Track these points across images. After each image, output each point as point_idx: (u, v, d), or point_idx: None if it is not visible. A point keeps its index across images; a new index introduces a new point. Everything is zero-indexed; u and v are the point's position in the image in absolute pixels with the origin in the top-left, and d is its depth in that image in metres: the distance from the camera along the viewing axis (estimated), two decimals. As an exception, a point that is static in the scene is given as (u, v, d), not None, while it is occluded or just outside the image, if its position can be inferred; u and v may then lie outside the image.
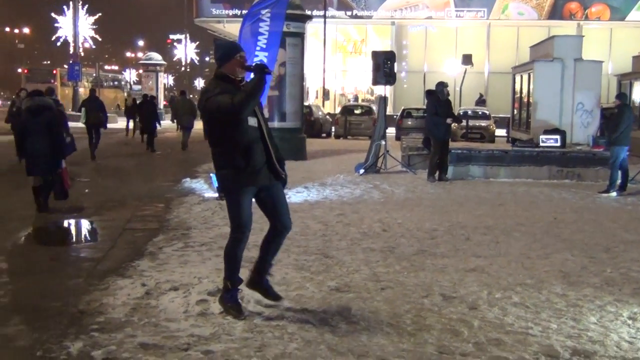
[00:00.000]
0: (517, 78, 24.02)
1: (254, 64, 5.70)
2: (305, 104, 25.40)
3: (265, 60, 11.99)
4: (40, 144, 10.21)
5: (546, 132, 16.30)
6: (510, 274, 7.03)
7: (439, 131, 14.75)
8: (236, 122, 5.32)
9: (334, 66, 42.75)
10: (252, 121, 5.39)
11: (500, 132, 30.23)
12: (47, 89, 15.86)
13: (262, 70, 5.31)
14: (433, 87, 15.29)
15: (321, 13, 37.14)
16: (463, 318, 5.57)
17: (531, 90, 20.80)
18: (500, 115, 32.46)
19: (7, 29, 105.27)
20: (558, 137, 15.78)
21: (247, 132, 5.36)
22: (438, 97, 14.91)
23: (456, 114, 29.25)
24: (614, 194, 13.10)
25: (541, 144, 15.82)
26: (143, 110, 23.72)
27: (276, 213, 5.72)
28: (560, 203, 12.21)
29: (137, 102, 27.92)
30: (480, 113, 30.62)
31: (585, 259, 7.80)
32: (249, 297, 5.92)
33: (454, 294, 6.27)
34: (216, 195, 11.77)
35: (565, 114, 19.48)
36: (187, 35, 69.22)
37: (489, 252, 8.10)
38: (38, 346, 4.81)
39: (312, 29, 36.50)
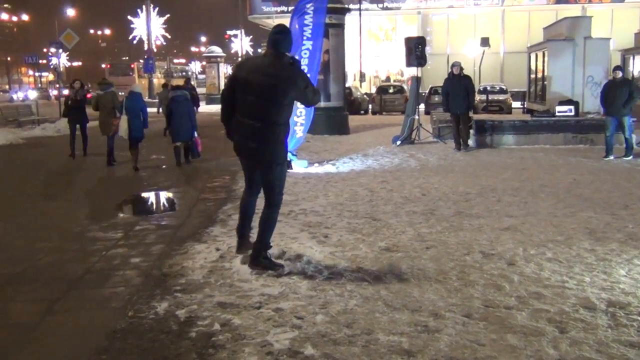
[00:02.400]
0: (532, 56, 23.24)
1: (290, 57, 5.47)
2: (346, 85, 25.02)
3: (311, 47, 11.68)
4: (181, 121, 12.71)
5: (561, 102, 15.67)
6: (541, 232, 6.67)
7: (449, 106, 14.33)
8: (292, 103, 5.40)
9: (368, 52, 42.08)
10: None
11: (516, 104, 29.51)
12: (185, 80, 19.53)
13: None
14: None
15: (357, 6, 36.51)
16: (503, 273, 5.26)
17: (546, 66, 20.09)
18: (515, 90, 31.62)
19: (92, 31, 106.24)
20: (572, 107, 15.14)
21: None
22: (449, 77, 14.49)
23: (478, 89, 28.81)
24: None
25: (557, 114, 15.21)
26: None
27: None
28: (577, 166, 11.69)
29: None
30: (498, 88, 29.90)
31: (607, 216, 7.38)
32: (309, 258, 5.70)
33: (492, 251, 5.95)
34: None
35: (577, 86, 18.84)
36: (242, 30, 68.85)
37: (519, 212, 7.73)
38: (129, 307, 4.65)
39: (350, 20, 35.90)
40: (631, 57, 23.87)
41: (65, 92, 19.84)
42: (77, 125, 14.70)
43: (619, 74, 12.76)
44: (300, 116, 11.85)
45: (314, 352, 3.76)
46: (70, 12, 75.58)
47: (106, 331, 4.20)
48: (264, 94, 5.09)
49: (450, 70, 14.65)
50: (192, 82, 44.71)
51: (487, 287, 4.92)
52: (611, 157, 12.47)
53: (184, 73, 63.01)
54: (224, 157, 13.61)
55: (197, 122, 13.49)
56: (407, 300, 4.64)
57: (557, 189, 9.20)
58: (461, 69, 14.52)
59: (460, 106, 14.22)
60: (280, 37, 5.21)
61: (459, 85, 14.18)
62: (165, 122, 14.62)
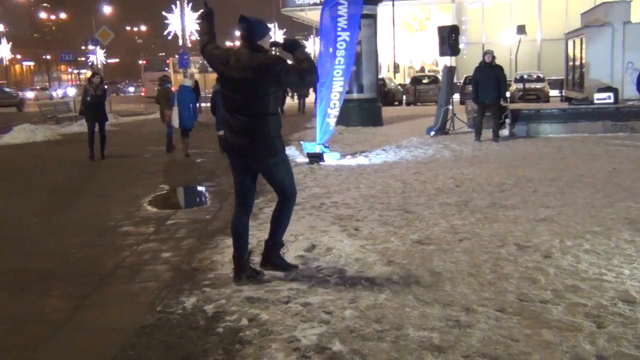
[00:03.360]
0: (570, 43, 22.74)
1: (285, 40, 5.05)
2: (379, 76, 24.83)
3: (347, 39, 11.57)
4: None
5: (600, 90, 15.30)
6: (579, 223, 6.46)
7: (478, 95, 13.95)
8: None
9: (402, 42, 41.71)
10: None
11: (554, 92, 28.92)
12: None
13: (298, 43, 4.84)
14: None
15: (390, -4, 36.21)
16: (538, 266, 5.09)
17: (584, 53, 19.61)
18: (553, 78, 31.00)
19: (128, 28, 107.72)
20: (611, 94, 14.76)
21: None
22: (480, 65, 14.10)
23: (514, 77, 28.27)
24: None
25: (595, 101, 14.84)
26: None
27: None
28: (617, 154, 11.36)
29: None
30: (535, 76, 29.32)
31: (648, 206, 7.14)
32: (339, 252, 5.62)
33: (527, 243, 5.78)
34: (307, 160, 11.50)
35: (616, 73, 18.38)
36: (276, 23, 68.93)
37: (555, 202, 7.52)
38: (158, 301, 4.64)
39: (383, 11, 35.60)
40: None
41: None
42: (96, 124, 13.43)
43: None
44: (334, 108, 11.77)
45: (341, 348, 3.68)
46: (107, 9, 76.54)
47: (134, 327, 4.18)
48: (242, 87, 4.72)
49: (482, 58, 14.30)
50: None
51: (521, 280, 4.77)
52: None
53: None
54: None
55: None
56: (439, 294, 4.53)
57: (595, 179, 8.94)
58: (493, 57, 14.12)
59: (490, 96, 13.75)
60: (243, 27, 4.81)
61: (490, 74, 13.79)
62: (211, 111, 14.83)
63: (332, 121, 11.86)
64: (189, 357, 3.70)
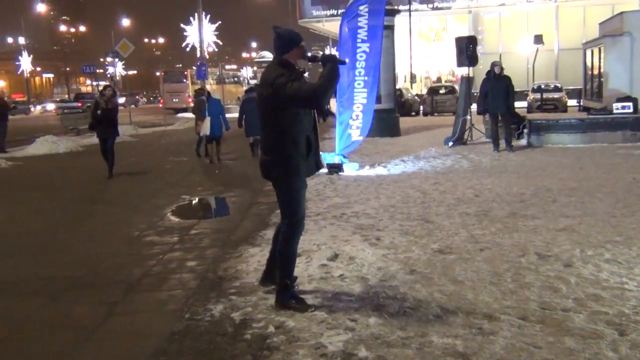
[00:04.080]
0: (588, 53, 22.72)
1: (321, 55, 4.75)
2: (396, 87, 24.93)
3: (368, 50, 11.67)
4: (252, 118, 13.52)
5: (619, 99, 15.27)
6: (599, 232, 6.50)
7: (489, 106, 13.99)
8: (305, 110, 4.56)
9: (419, 52, 41.82)
10: (309, 111, 4.64)
11: (572, 102, 28.82)
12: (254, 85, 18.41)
13: (334, 59, 4.51)
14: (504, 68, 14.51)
15: (407, 7, 36.34)
16: (560, 275, 5.15)
17: (602, 62, 19.59)
18: (571, 87, 30.91)
19: (146, 40, 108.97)
20: (630, 104, 14.73)
21: (306, 121, 4.59)
22: (490, 75, 14.15)
23: (532, 87, 28.22)
24: None
25: (615, 111, 14.81)
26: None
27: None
28: (636, 164, 11.35)
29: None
30: (552, 86, 29.26)
31: (669, 216, 7.16)
32: (362, 261, 5.71)
33: (548, 252, 5.84)
34: (326, 171, 11.61)
35: (635, 82, 18.32)
36: (293, 34, 69.28)
37: (576, 212, 7.56)
38: (185, 309, 4.76)
39: (400, 21, 35.78)
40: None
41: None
42: (107, 140, 12.56)
43: None
44: (356, 119, 11.87)
45: (367, 354, 3.77)
46: (126, 22, 77.54)
47: (164, 333, 4.30)
48: (260, 103, 4.70)
49: (490, 70, 14.29)
50: (244, 88, 45.04)
51: (543, 289, 4.84)
52: None
53: (236, 79, 63.83)
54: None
55: None
56: (461, 302, 4.61)
57: (615, 189, 8.95)
58: (502, 68, 14.21)
59: (501, 106, 13.85)
60: (273, 38, 4.69)
61: (499, 85, 13.86)
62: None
63: (355, 132, 11.94)
64: (219, 362, 3.82)
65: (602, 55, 19.57)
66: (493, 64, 14.27)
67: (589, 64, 22.81)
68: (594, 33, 25.24)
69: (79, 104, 47.96)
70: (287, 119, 4.51)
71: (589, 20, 35.27)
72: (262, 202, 9.31)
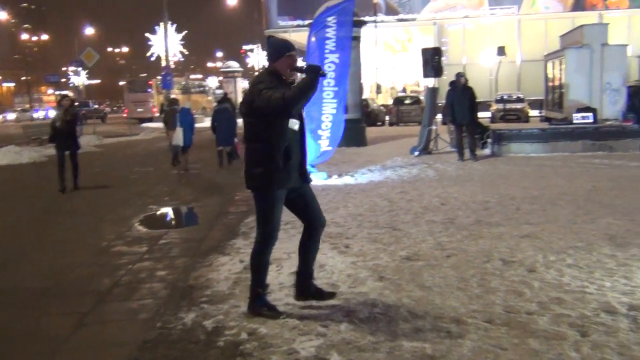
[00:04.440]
0: (549, 64, 23.28)
1: (306, 65, 4.80)
2: (362, 97, 25.18)
3: (337, 61, 11.78)
4: (223, 127, 15.00)
5: (579, 110, 15.73)
6: (561, 239, 6.71)
7: (455, 116, 14.32)
8: (281, 119, 4.51)
9: (384, 63, 42.29)
10: (293, 123, 4.59)
11: (534, 112, 29.44)
12: (225, 96, 19.64)
13: (315, 70, 4.46)
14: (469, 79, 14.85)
15: (373, 18, 36.75)
16: (524, 280, 5.31)
17: (563, 74, 20.11)
18: (533, 98, 31.57)
19: (110, 49, 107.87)
20: (590, 114, 15.17)
21: (287, 131, 4.55)
22: (455, 86, 14.49)
23: (495, 98, 28.79)
24: None
25: (575, 121, 15.23)
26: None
27: (311, 212, 4.83)
28: (596, 173, 11.70)
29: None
30: (515, 97, 29.87)
31: (627, 222, 7.41)
32: (332, 268, 5.80)
33: (512, 258, 6.01)
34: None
35: (595, 93, 18.85)
36: (259, 45, 69.46)
37: (538, 219, 7.77)
38: (157, 318, 4.79)
39: (366, 32, 36.16)
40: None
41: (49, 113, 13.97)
42: (67, 152, 11.94)
43: None
44: (325, 130, 11.96)
45: (339, 359, 3.86)
46: (90, 30, 76.69)
47: (136, 342, 4.32)
48: (243, 109, 4.69)
49: (455, 81, 14.59)
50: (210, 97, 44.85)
51: (508, 293, 4.99)
52: None
53: (201, 88, 63.57)
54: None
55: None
56: (429, 307, 4.72)
57: (576, 196, 9.22)
58: (466, 79, 14.54)
59: (466, 116, 14.19)
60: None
61: (464, 96, 14.21)
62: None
63: (323, 143, 12.03)
64: (193, 369, 3.86)
65: (562, 66, 20.10)
66: (458, 75, 14.58)
67: (550, 75, 23.38)
68: (555, 45, 25.89)
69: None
70: (262, 127, 4.51)
71: (550, 33, 36.17)
72: (231, 212, 9.35)
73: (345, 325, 4.39)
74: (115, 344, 4.39)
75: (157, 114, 45.29)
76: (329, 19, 11.79)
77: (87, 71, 47.98)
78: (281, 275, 5.65)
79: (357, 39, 18.64)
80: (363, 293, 5.10)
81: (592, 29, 20.41)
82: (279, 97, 4.36)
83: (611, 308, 4.57)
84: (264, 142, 4.52)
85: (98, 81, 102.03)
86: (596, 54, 18.97)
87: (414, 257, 6.19)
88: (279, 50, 4.65)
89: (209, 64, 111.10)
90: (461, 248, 6.46)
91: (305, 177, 4.80)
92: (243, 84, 47.28)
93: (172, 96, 44.64)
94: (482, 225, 7.56)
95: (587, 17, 35.98)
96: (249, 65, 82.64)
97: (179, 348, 4.17)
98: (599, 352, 3.83)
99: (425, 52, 16.06)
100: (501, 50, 28.56)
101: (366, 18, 34.67)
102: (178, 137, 14.85)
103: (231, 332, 4.37)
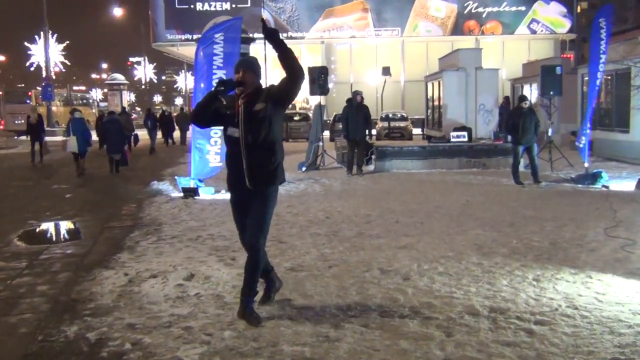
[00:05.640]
0: (429, 85, 24.46)
1: (218, 80, 5.21)
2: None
3: (224, 77, 11.90)
4: (113, 137, 16.82)
5: (455, 129, 16.63)
6: (435, 249, 7.20)
7: (349, 132, 15.00)
8: (224, 129, 4.93)
9: (274, 80, 42.63)
10: (232, 131, 4.82)
11: (417, 131, 30.72)
12: (122, 110, 22.67)
13: (217, 84, 4.82)
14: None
15: (262, 35, 37.06)
16: (399, 287, 5.69)
17: (441, 94, 21.22)
18: (416, 117, 32.94)
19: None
20: (465, 133, 16.12)
21: (228, 140, 4.90)
22: (351, 103, 15.18)
23: (380, 116, 29.86)
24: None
25: (452, 140, 16.13)
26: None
27: (244, 228, 5.02)
28: (470, 188, 12.49)
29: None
30: (399, 115, 31.05)
31: (494, 233, 8.04)
32: (217, 280, 5.93)
33: (389, 267, 6.39)
34: (181, 194, 11.70)
35: (470, 113, 20.01)
36: (146, 57, 68.10)
37: (415, 231, 8.27)
38: (38, 332, 4.74)
39: (253, 49, 36.38)
40: (520, 86, 25.58)
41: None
42: None
43: (527, 104, 12.68)
44: (214, 145, 12.02)
45: (222, 364, 4.02)
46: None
47: (16, 356, 4.28)
48: None
49: (351, 98, 15.30)
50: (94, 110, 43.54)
51: (383, 299, 5.34)
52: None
53: (84, 101, 61.38)
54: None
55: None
56: (310, 314, 4.97)
57: (450, 210, 9.85)
58: (362, 98, 15.26)
59: (360, 132, 14.98)
60: None
61: (359, 113, 14.88)
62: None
63: (213, 158, 12.08)
64: (75, 380, 3.89)
65: (441, 88, 21.21)
66: (355, 93, 15.29)
67: (430, 95, 24.57)
68: (436, 67, 27.21)
69: None
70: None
71: (431, 55, 38.00)
72: (115, 226, 9.24)
73: (229, 333, 4.56)
74: (-6, 359, 4.32)
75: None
76: (217, 35, 11.93)
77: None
78: (167, 287, 5.72)
79: (244, 55, 18.86)
80: (247, 303, 5.27)
81: (468, 53, 21.69)
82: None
83: (474, 311, 5.01)
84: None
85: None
86: (471, 77, 20.18)
87: (298, 268, 6.45)
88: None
89: (94, 76, 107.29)
90: (342, 259, 6.79)
91: (253, 189, 4.97)
92: (129, 97, 46.15)
93: (50, 108, 43.16)
94: (364, 237, 7.94)
95: (465, 42, 38.17)
96: (136, 78, 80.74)
97: (61, 360, 4.17)
98: (461, 350, 4.22)
99: (311, 70, 16.49)
100: (386, 70, 29.60)
101: (256, 34, 35.10)
102: (72, 144, 16.08)
103: (115, 343, 4.42)
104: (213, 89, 4.87)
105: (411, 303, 5.23)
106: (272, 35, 4.75)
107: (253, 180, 4.80)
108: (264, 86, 5.02)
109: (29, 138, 21.07)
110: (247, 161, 4.78)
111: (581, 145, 13.88)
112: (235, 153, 4.84)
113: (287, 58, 4.71)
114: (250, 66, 4.90)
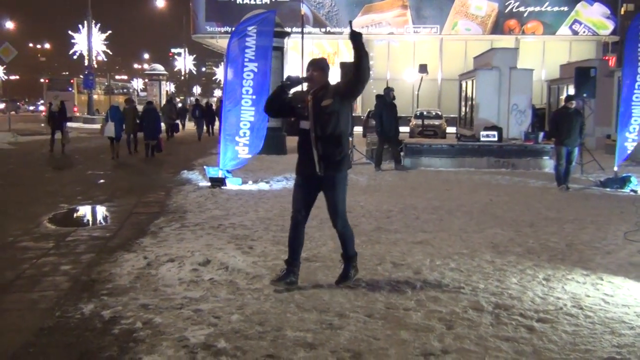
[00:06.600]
0: (463, 84, 24.34)
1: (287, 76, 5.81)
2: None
3: (255, 70, 12.08)
4: (150, 125, 18.78)
5: (486, 128, 16.57)
6: (450, 246, 7.26)
7: (383, 128, 15.14)
8: (294, 121, 5.66)
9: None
10: (303, 124, 5.42)
11: (451, 129, 30.56)
12: (167, 99, 25.40)
13: (285, 79, 5.54)
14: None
15: (300, 30, 37.24)
16: (408, 281, 5.78)
17: (474, 93, 21.12)
18: (452, 115, 32.77)
19: (31, 45, 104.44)
20: (495, 132, 16.04)
21: (299, 132, 5.49)
22: (385, 99, 15.27)
23: (414, 114, 29.82)
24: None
25: (481, 139, 16.08)
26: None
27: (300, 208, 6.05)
28: (496, 188, 12.47)
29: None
30: (434, 113, 30.93)
31: (512, 232, 8.05)
32: (233, 267, 6.10)
33: (402, 262, 6.48)
34: (209, 184, 11.93)
35: (502, 113, 19.89)
36: (186, 49, 68.96)
37: (433, 228, 8.33)
38: (57, 308, 4.97)
39: (292, 43, 36.64)
40: (556, 87, 25.24)
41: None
42: None
43: (573, 104, 12.27)
44: (243, 137, 12.20)
45: (226, 345, 4.18)
46: (9, 24, 74.06)
47: (33, 329, 4.51)
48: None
49: (383, 94, 15.37)
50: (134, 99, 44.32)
51: (391, 292, 5.44)
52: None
53: (125, 90, 62.51)
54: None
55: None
56: (317, 302, 5.11)
57: (472, 208, 9.87)
58: (394, 95, 15.44)
59: (393, 129, 15.22)
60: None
61: (392, 110, 15.08)
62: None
63: (241, 149, 12.26)
64: (86, 353, 4.09)
65: (474, 86, 21.10)
66: (388, 89, 15.40)
67: (463, 94, 24.45)
68: (472, 66, 27.02)
69: None
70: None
71: (470, 53, 37.47)
72: (142, 212, 9.50)
73: (236, 317, 4.72)
74: (12, 331, 4.55)
75: (78, 114, 44.34)
76: (250, 28, 12.09)
77: (4, 66, 46.43)
78: (182, 271, 5.92)
79: (278, 49, 19.06)
80: (258, 289, 5.44)
81: (502, 53, 21.53)
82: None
83: (479, 306, 5.08)
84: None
85: (17, 77, 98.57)
86: (504, 76, 20.05)
87: (313, 258, 6.59)
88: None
89: (136, 66, 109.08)
90: (358, 252, 6.84)
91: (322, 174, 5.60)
92: (168, 87, 46.84)
93: (90, 96, 44.02)
94: (381, 231, 8.04)
95: (504, 41, 37.74)
96: (176, 69, 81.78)
97: (75, 335, 4.38)
98: (459, 343, 4.30)
99: (344, 66, 16.55)
100: (423, 68, 29.47)
101: (294, 28, 35.30)
102: (110, 129, 17.79)
103: (127, 321, 4.62)
104: (281, 83, 5.51)
105: (418, 296, 5.32)
106: (355, 38, 5.31)
107: (322, 168, 5.39)
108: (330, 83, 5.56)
109: (49, 126, 20.44)
110: (317, 151, 5.33)
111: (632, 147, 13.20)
112: (306, 143, 5.40)
113: (362, 59, 5.25)
114: (320, 65, 5.53)
